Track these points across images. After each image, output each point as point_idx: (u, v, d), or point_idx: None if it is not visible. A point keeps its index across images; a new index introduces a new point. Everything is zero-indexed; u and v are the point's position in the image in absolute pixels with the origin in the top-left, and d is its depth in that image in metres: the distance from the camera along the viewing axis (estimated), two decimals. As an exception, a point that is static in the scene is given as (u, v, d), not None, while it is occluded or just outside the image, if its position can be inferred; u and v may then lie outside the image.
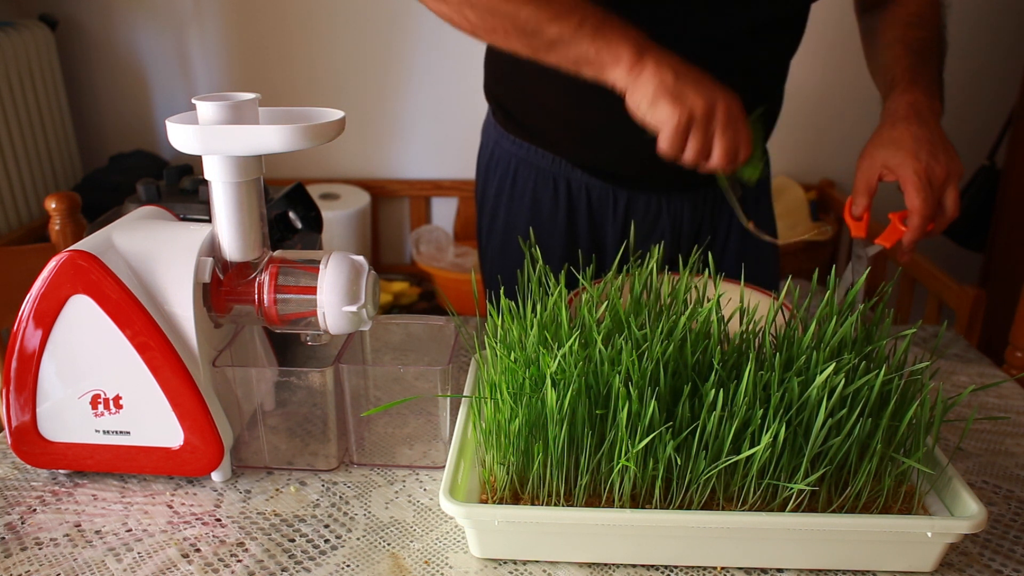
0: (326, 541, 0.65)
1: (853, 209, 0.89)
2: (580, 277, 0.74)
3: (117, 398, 0.69)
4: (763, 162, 0.86)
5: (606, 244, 1.07)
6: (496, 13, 0.79)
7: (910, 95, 0.88)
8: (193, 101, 0.64)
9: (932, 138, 0.85)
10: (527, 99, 1.03)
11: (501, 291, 0.69)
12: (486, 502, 0.64)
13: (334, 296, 0.68)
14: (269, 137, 0.62)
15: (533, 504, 0.64)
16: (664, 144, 0.76)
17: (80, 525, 0.67)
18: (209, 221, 0.69)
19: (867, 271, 0.83)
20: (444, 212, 2.42)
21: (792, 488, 0.59)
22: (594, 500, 0.64)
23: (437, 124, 2.32)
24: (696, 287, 0.73)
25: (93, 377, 0.68)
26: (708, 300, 0.70)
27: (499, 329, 0.67)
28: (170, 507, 0.69)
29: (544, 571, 0.62)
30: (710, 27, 0.91)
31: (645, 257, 0.76)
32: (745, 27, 0.92)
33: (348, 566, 0.62)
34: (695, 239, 1.07)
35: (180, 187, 0.84)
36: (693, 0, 0.89)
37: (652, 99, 0.74)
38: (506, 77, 1.05)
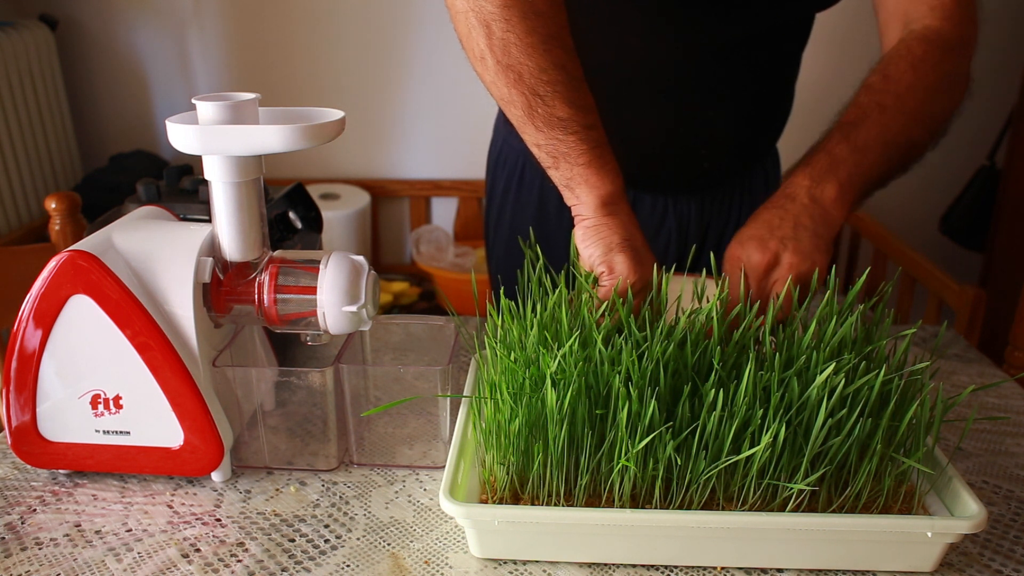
0: (326, 541, 0.65)
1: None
2: (581, 277, 0.74)
3: (117, 398, 0.69)
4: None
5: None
6: (512, 67, 0.72)
7: (804, 178, 0.76)
8: (193, 101, 0.64)
9: (781, 225, 0.73)
10: None
11: (501, 291, 0.69)
12: (486, 502, 0.64)
13: (334, 296, 0.68)
14: (269, 137, 0.62)
15: (533, 504, 0.64)
16: (604, 293, 0.71)
17: (80, 525, 0.67)
18: (209, 221, 0.69)
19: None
20: (444, 212, 2.42)
21: (792, 488, 0.59)
22: (594, 500, 0.63)
23: (437, 124, 2.32)
24: (695, 288, 0.73)
25: (93, 377, 0.68)
26: (708, 300, 0.70)
27: (499, 329, 0.67)
28: (170, 507, 0.69)
29: (544, 571, 0.62)
30: (716, 33, 0.91)
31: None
32: (752, 32, 0.91)
33: (348, 566, 0.62)
34: (702, 240, 1.07)
35: (180, 187, 0.84)
36: (698, 9, 0.89)
37: (618, 246, 0.71)
38: None
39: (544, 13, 0.71)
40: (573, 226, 1.05)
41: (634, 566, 0.63)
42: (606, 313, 0.68)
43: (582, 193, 0.73)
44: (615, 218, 0.73)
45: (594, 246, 0.72)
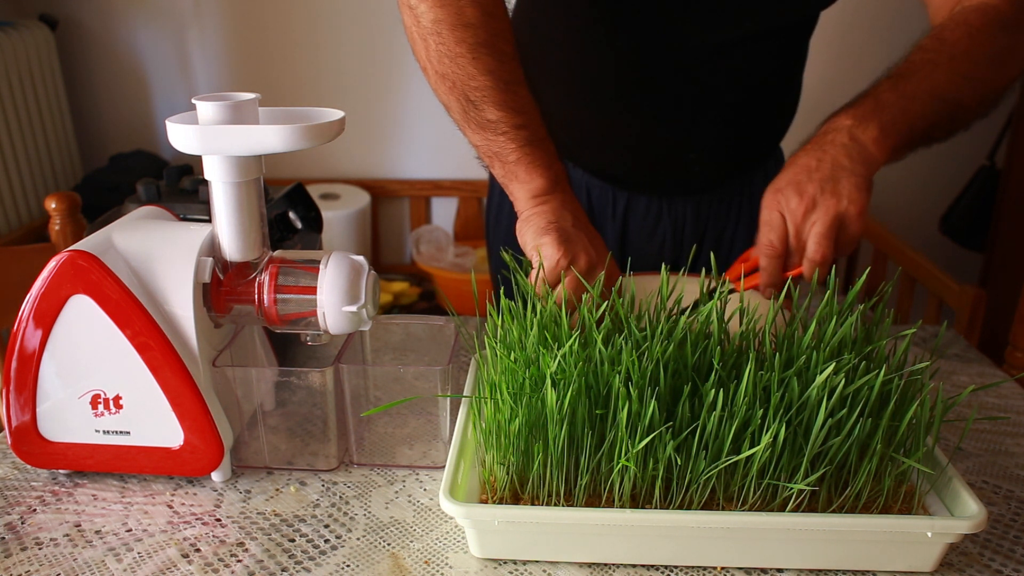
0: (326, 541, 0.65)
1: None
2: (581, 278, 0.74)
3: (117, 398, 0.69)
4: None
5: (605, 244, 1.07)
6: (450, 67, 0.75)
7: (847, 118, 0.76)
8: (193, 101, 0.64)
9: (819, 167, 0.74)
10: None
11: (501, 291, 0.69)
12: (486, 502, 0.64)
13: (334, 296, 0.68)
14: (269, 137, 0.62)
15: (533, 504, 0.64)
16: (536, 276, 0.73)
17: (80, 525, 0.67)
18: (209, 221, 0.69)
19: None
20: (444, 212, 2.42)
21: (792, 488, 0.59)
22: (594, 500, 0.63)
23: (437, 124, 2.32)
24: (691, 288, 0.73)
25: (93, 377, 0.68)
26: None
27: (499, 329, 0.67)
28: (170, 507, 0.69)
29: (544, 571, 0.62)
30: (705, 36, 0.90)
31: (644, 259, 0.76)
32: (743, 36, 0.90)
33: (348, 566, 0.62)
34: (699, 242, 1.06)
35: (180, 187, 0.84)
36: (699, 8, 0.88)
37: (543, 230, 0.72)
38: None
39: (473, 24, 0.75)
40: None
41: (634, 566, 0.63)
42: (547, 296, 0.69)
43: (514, 189, 0.77)
44: (546, 206, 0.75)
45: (525, 235, 0.74)
